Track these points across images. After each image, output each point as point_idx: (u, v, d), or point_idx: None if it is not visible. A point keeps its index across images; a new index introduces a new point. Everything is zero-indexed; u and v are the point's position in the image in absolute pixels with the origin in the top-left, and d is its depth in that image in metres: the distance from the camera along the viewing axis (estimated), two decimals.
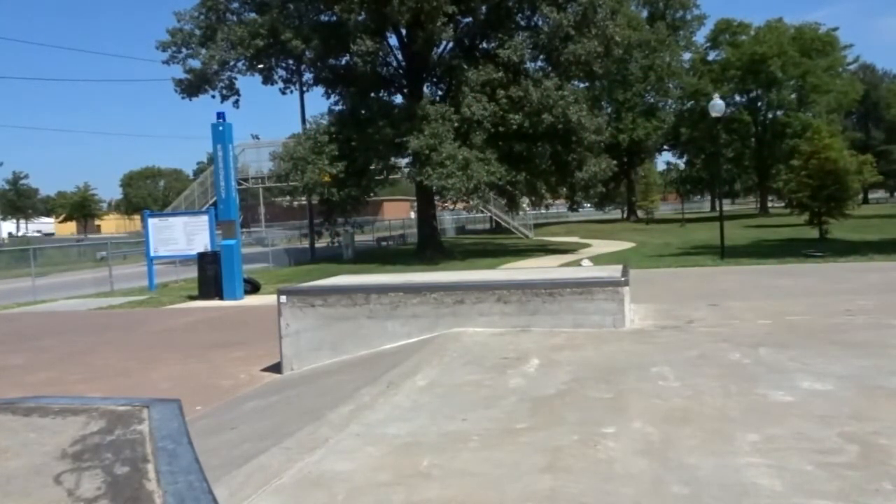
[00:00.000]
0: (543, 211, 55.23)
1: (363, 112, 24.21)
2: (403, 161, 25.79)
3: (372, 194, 27.61)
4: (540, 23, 24.62)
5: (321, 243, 30.01)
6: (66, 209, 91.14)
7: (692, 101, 51.11)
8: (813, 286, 10.55)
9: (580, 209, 55.99)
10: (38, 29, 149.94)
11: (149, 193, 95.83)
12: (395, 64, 26.32)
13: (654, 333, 5.43)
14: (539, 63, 25.67)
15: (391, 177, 27.78)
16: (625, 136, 48.31)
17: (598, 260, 20.31)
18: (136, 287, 17.50)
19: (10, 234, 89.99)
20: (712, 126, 38.51)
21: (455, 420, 3.51)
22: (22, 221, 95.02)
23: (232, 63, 25.44)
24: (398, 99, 26.45)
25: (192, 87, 25.59)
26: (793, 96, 52.32)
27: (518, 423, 3.40)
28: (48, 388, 6.22)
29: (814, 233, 25.26)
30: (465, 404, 3.79)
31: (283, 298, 6.28)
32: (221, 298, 13.82)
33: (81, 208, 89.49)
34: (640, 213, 56.08)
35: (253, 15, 25.27)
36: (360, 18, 22.17)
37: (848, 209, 26.32)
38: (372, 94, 25.28)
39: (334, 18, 23.56)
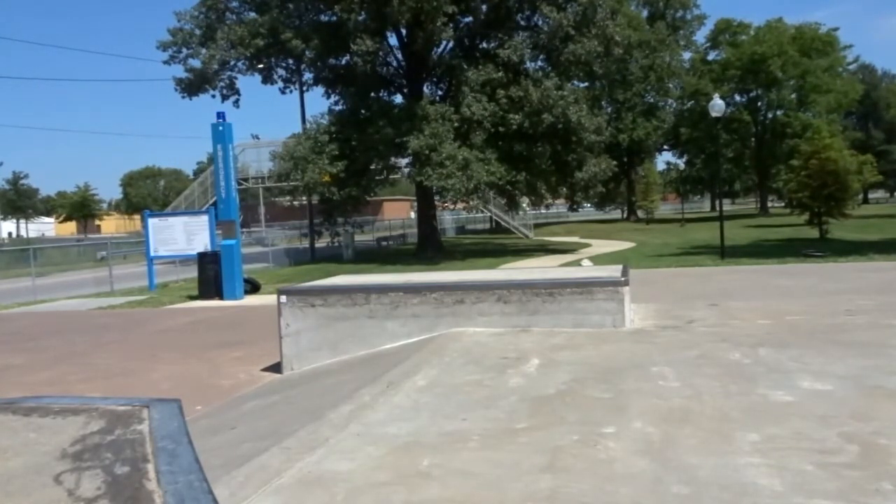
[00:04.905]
0: (543, 211, 55.33)
1: (363, 112, 24.22)
2: (403, 161, 25.80)
3: (372, 194, 27.63)
4: (540, 23, 24.64)
5: (321, 243, 30.01)
6: (66, 209, 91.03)
7: (692, 101, 51.13)
8: (813, 286, 10.55)
9: (580, 209, 56.03)
10: (39, 29, 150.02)
11: (149, 193, 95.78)
12: (395, 64, 26.34)
13: (654, 333, 5.43)
14: (539, 63, 25.71)
15: (391, 177, 27.81)
16: (625, 136, 48.32)
17: (598, 260, 20.32)
18: (136, 287, 17.50)
19: (9, 233, 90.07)
20: (712, 126, 38.55)
21: (455, 420, 3.50)
22: (22, 221, 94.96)
23: (232, 63, 25.47)
24: (398, 99, 26.50)
25: (192, 86, 25.61)
26: (793, 96, 52.32)
27: (518, 422, 3.39)
28: (48, 388, 6.22)
29: (814, 233, 25.27)
30: (465, 404, 3.79)
31: (283, 298, 6.28)
32: (221, 298, 13.82)
33: (81, 208, 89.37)
34: (640, 213, 56.09)
35: (253, 14, 25.29)
36: (360, 18, 22.17)
37: (848, 209, 26.37)
38: (372, 94, 25.29)
39: (334, 18, 23.56)
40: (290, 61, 26.68)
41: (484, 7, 24.27)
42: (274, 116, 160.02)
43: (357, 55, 22.15)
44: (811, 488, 2.44)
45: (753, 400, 3.54)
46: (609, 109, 48.44)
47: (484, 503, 2.51)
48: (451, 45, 24.70)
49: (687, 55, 55.63)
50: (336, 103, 26.76)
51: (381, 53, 23.98)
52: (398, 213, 62.87)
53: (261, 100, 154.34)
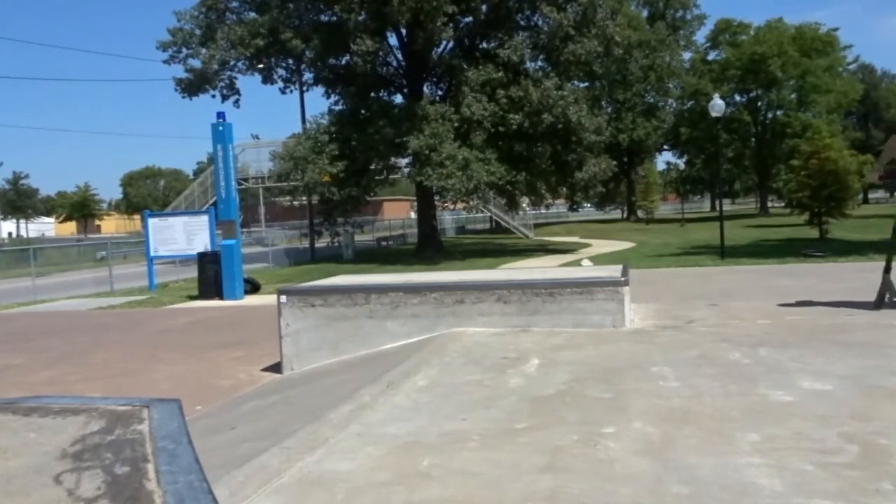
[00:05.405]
0: (543, 211, 55.33)
1: (363, 112, 24.23)
2: (403, 161, 25.81)
3: (372, 194, 27.63)
4: (540, 23, 24.65)
5: (321, 243, 30.02)
6: (66, 209, 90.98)
7: (692, 101, 51.14)
8: (813, 286, 10.55)
9: (580, 209, 56.13)
10: (39, 29, 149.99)
11: (149, 193, 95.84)
12: (395, 64, 26.34)
13: (654, 333, 5.43)
14: (539, 63, 25.71)
15: (391, 177, 27.80)
16: (625, 136, 48.32)
17: (598, 260, 20.31)
18: (136, 287, 17.50)
19: (10, 233, 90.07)
20: (712, 126, 38.54)
21: (455, 420, 3.50)
22: (22, 221, 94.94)
23: (232, 63, 25.46)
24: (398, 99, 26.50)
25: (192, 86, 25.60)
26: (793, 96, 52.32)
27: (518, 422, 3.39)
28: (48, 388, 6.22)
29: (814, 233, 25.26)
30: (465, 404, 3.78)
31: (283, 298, 6.28)
32: (221, 298, 13.82)
33: (81, 208, 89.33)
34: (640, 213, 56.09)
35: (253, 14, 25.29)
36: (360, 18, 22.18)
37: (848, 209, 26.32)
38: (372, 94, 25.30)
39: (334, 18, 23.56)
40: (290, 61, 26.68)
41: (484, 7, 24.27)
42: (274, 116, 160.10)
43: (357, 55, 22.15)
44: (811, 488, 2.44)
45: (753, 400, 3.54)
46: (609, 109, 48.42)
47: (484, 503, 2.51)
48: (451, 45, 24.70)
49: (687, 55, 55.72)
50: (336, 103, 26.79)
51: (381, 53, 23.98)
52: (398, 213, 62.89)
53: (261, 100, 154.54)
